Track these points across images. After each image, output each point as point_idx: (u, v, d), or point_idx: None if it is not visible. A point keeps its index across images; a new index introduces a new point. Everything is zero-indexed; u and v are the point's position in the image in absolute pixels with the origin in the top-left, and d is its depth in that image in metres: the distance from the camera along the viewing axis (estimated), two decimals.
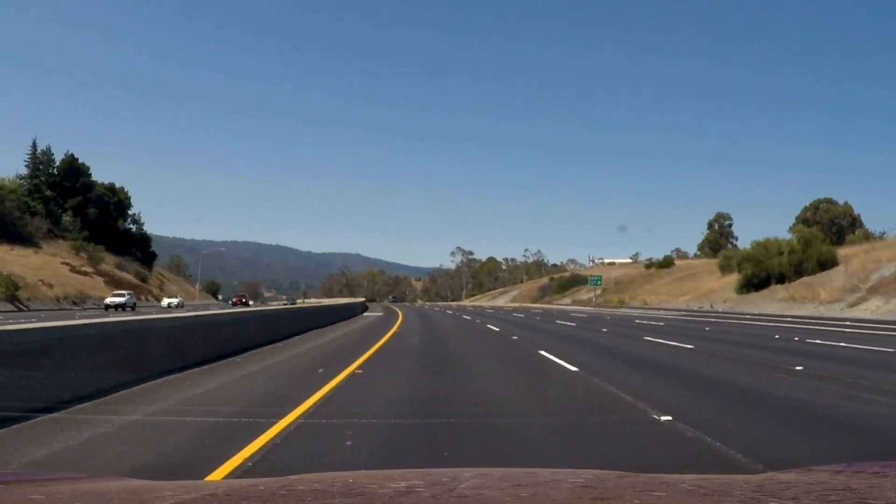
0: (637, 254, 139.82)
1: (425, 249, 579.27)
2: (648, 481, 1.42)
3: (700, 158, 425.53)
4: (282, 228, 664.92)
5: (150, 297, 70.51)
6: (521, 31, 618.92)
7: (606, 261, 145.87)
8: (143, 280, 75.29)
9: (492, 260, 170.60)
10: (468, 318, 38.06)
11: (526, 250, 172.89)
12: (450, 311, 53.60)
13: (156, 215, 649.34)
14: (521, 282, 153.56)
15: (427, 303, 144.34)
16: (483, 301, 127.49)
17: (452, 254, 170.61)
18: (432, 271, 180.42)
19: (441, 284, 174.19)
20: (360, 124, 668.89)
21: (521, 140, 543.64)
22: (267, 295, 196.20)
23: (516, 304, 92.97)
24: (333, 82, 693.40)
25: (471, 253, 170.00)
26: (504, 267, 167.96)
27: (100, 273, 66.18)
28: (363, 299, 75.74)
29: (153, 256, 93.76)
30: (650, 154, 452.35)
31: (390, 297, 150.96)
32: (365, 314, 43.34)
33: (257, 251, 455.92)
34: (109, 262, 74.07)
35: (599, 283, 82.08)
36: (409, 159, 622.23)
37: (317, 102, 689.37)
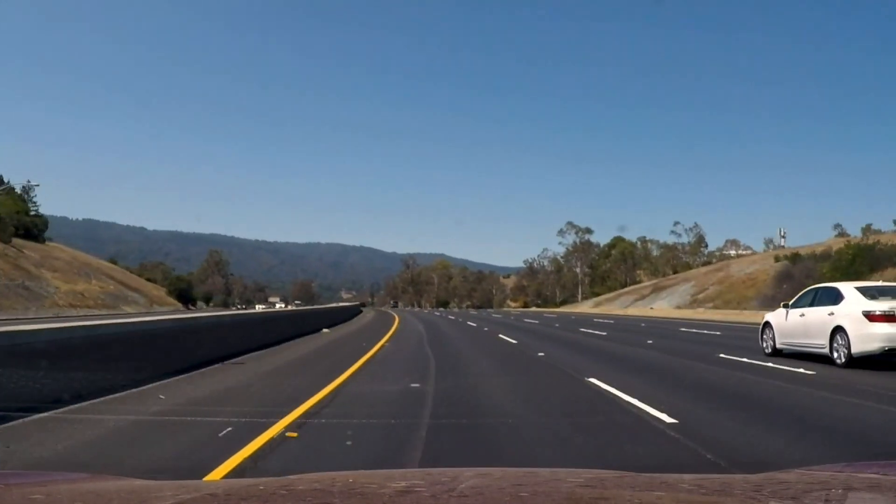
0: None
1: (515, 251, 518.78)
2: (648, 481, 1.41)
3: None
4: (366, 230, 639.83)
5: None
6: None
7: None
8: None
9: (620, 240, 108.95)
10: None
11: (676, 224, 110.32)
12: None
13: (238, 218, 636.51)
14: (673, 271, 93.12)
15: (520, 308, 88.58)
16: (615, 306, 69.39)
17: (561, 233, 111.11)
18: (531, 261, 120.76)
19: (543, 281, 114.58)
20: (442, 123, 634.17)
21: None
22: (346, 296, 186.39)
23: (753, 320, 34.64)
24: (422, 83, 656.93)
25: (588, 231, 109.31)
26: (638, 250, 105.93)
27: None
28: (358, 304, 59.91)
29: None
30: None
31: (391, 302, 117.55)
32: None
33: (341, 252, 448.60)
34: None
35: None
36: (494, 157, 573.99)
37: (398, 103, 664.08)
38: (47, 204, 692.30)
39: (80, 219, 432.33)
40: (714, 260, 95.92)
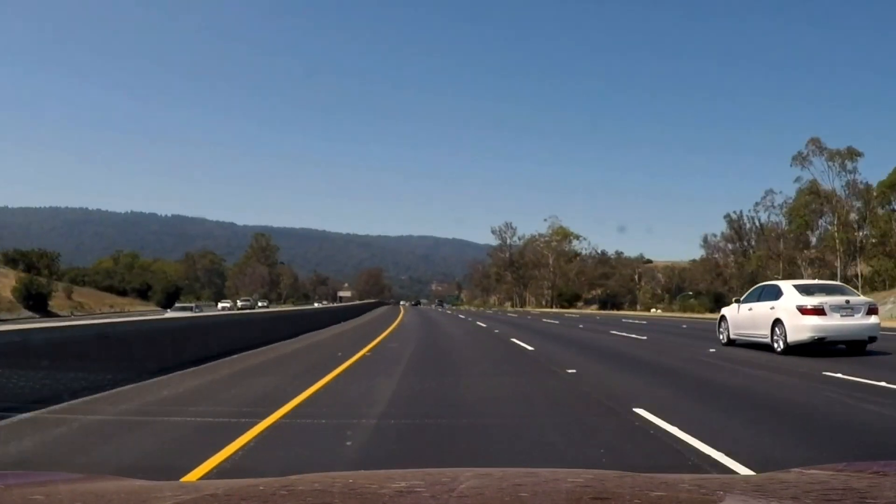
0: None
1: (664, 243, 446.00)
2: (648, 481, 1.40)
3: None
4: (459, 222, 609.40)
5: None
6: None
7: None
8: None
9: None
10: None
11: None
12: None
13: (330, 213, 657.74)
14: None
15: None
16: None
17: (800, 158, 56.47)
18: (736, 216, 68.72)
19: (767, 251, 60.29)
20: (544, 107, 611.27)
21: None
22: (438, 289, 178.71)
23: None
24: (522, 70, 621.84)
25: (854, 154, 53.62)
26: None
27: None
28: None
29: None
30: None
31: (437, 301, 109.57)
32: None
33: (433, 245, 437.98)
34: None
35: None
36: (591, 140, 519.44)
37: (495, 88, 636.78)
38: (137, 201, 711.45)
39: (169, 215, 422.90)
40: None
